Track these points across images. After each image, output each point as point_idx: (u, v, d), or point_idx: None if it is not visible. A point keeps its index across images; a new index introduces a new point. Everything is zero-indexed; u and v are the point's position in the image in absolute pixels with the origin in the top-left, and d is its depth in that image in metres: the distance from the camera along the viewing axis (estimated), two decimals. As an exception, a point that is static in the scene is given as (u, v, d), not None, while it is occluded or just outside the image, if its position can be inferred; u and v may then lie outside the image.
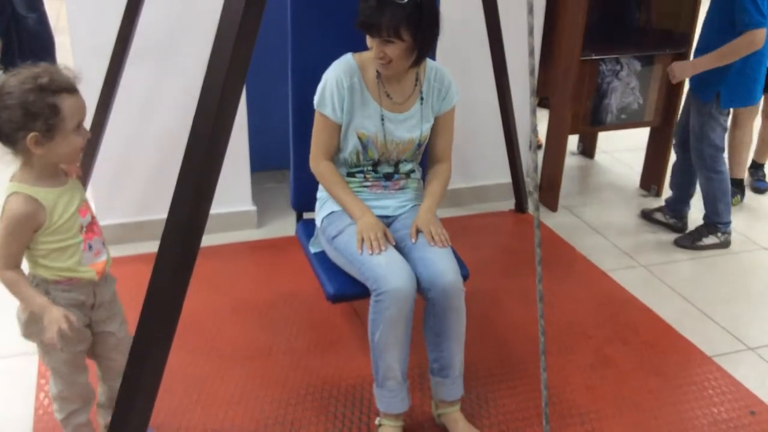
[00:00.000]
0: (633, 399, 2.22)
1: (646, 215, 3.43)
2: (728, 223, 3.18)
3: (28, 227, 1.53)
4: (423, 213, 2.05)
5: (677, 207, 3.32)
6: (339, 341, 2.44)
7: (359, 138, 2.05)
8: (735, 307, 2.76)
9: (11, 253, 1.53)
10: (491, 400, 2.18)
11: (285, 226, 3.21)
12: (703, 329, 2.60)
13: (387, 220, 2.12)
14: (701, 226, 3.20)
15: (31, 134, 1.46)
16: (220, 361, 2.31)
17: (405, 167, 2.15)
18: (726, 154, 3.25)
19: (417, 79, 2.09)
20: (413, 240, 1.99)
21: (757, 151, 3.85)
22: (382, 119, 2.05)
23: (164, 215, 2.93)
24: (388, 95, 2.06)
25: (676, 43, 3.38)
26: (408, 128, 2.08)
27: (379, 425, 2.01)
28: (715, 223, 3.17)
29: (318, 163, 2.08)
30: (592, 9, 3.14)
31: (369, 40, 1.96)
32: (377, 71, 2.04)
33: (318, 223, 2.17)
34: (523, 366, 2.34)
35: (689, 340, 2.52)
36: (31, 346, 1.71)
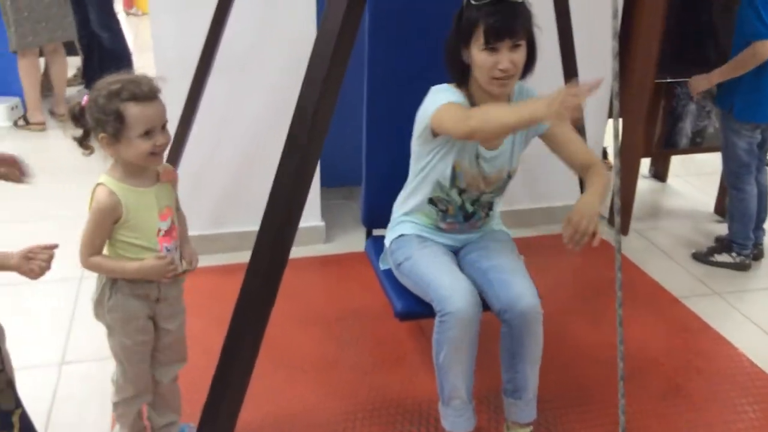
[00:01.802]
0: (707, 430, 2.15)
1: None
2: (744, 245, 3.08)
3: (110, 219, 1.63)
4: (581, 205, 1.79)
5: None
6: (405, 358, 2.45)
7: (454, 167, 1.98)
8: (816, 339, 2.66)
9: (95, 243, 1.64)
10: (561, 424, 2.16)
11: (352, 242, 3.25)
12: (782, 361, 2.52)
13: (457, 249, 2.12)
14: (718, 240, 3.11)
15: (101, 134, 1.57)
16: (288, 371, 2.35)
17: (487, 198, 2.08)
18: None
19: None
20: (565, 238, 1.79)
21: None
22: (477, 157, 1.98)
23: (236, 229, 3.08)
24: None
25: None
26: (500, 163, 2.01)
27: None
28: (730, 242, 3.10)
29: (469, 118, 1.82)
30: (667, 31, 3.09)
31: (484, 56, 1.82)
32: (472, 103, 1.93)
33: (387, 243, 2.18)
34: (594, 391, 2.30)
35: (766, 372, 2.44)
36: (108, 352, 1.78)
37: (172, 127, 2.64)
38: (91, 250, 1.63)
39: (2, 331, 1.42)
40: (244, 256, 3.00)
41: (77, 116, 1.60)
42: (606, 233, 3.42)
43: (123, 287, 1.70)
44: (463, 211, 2.07)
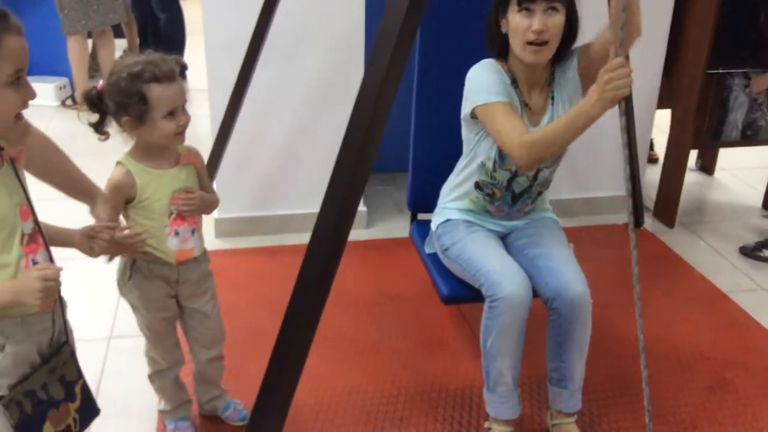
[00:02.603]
0: (755, 426, 2.12)
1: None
2: None
3: (120, 195, 1.65)
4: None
5: None
6: (446, 343, 2.45)
7: (499, 147, 1.93)
8: None
9: (110, 211, 1.64)
10: (604, 415, 2.14)
11: (393, 227, 3.26)
12: (832, 359, 2.47)
13: (504, 234, 2.11)
14: None
15: (125, 118, 1.58)
16: (331, 353, 2.36)
17: (545, 174, 2.04)
18: None
19: (550, 80, 1.96)
20: None
21: None
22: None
23: (280, 212, 3.10)
24: (527, 105, 1.95)
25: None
26: None
27: (489, 429, 2.00)
28: None
29: (522, 136, 1.81)
30: (720, 21, 3.03)
31: (518, 18, 1.82)
32: (511, 77, 1.93)
33: (433, 227, 2.18)
34: (637, 382, 2.28)
35: (816, 370, 2.39)
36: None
37: (221, 110, 2.68)
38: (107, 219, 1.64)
39: (65, 303, 1.45)
40: (287, 239, 3.10)
41: (94, 101, 1.60)
42: (650, 224, 3.39)
43: (142, 267, 1.72)
44: (510, 192, 2.04)
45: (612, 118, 3.17)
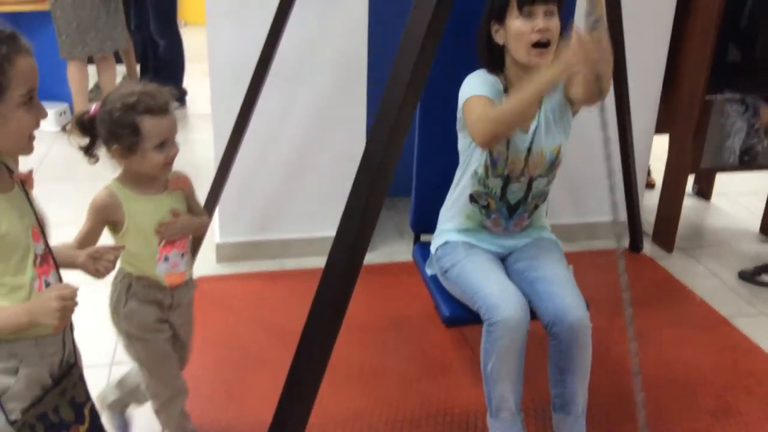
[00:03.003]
0: (759, 450, 2.13)
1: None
2: None
3: (101, 215, 1.65)
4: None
5: None
6: (450, 368, 2.45)
7: (490, 152, 1.97)
8: None
9: (83, 234, 1.63)
10: (609, 439, 2.14)
11: (395, 252, 3.27)
12: (834, 384, 2.47)
13: (503, 255, 2.12)
14: None
15: (115, 146, 1.60)
16: (334, 377, 2.33)
17: (539, 185, 2.05)
18: None
19: None
20: None
21: None
22: (509, 140, 1.97)
23: (282, 236, 3.10)
24: None
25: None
26: (538, 144, 1.99)
27: None
28: None
29: (483, 113, 1.85)
30: (718, 47, 3.07)
31: (520, 22, 1.86)
32: (504, 85, 1.97)
33: (432, 249, 2.19)
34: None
35: (818, 394, 2.40)
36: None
37: (225, 134, 2.70)
38: (79, 240, 1.63)
39: (72, 326, 1.45)
40: (287, 264, 3.10)
41: (85, 125, 1.61)
42: (649, 249, 3.40)
43: (138, 292, 1.72)
44: (506, 203, 2.05)
45: (612, 143, 3.19)
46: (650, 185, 3.97)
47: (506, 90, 1.98)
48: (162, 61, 5.15)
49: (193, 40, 7.28)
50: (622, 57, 2.91)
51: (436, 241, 2.18)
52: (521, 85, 1.92)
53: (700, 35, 3.07)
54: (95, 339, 2.52)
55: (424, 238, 2.43)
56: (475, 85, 1.96)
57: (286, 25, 2.53)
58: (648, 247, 3.41)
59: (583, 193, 3.40)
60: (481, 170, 2.01)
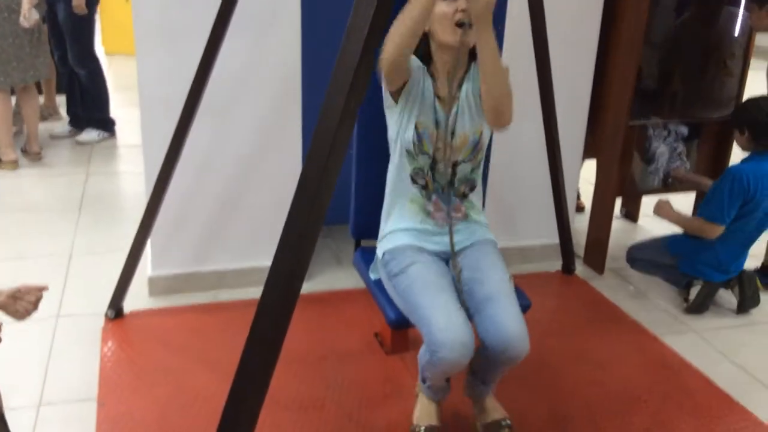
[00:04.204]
0: (693, 465, 2.18)
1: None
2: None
3: None
4: None
5: None
6: (391, 397, 2.44)
7: (416, 127, 2.03)
8: (790, 375, 2.72)
9: None
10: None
11: (333, 280, 3.25)
12: (758, 396, 2.56)
13: (449, 256, 2.11)
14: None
15: None
16: (275, 409, 2.31)
17: (464, 170, 2.10)
18: None
19: (464, 74, 2.06)
20: None
21: None
22: (436, 120, 2.03)
23: (217, 267, 3.05)
24: (438, 96, 2.05)
25: (722, 109, 3.42)
26: (461, 126, 2.05)
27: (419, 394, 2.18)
28: None
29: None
30: (640, 74, 3.20)
31: (443, 6, 1.94)
32: (431, 74, 2.04)
33: (379, 253, 2.18)
34: (576, 422, 2.32)
35: (744, 407, 2.47)
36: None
37: (156, 166, 2.65)
38: None
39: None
40: (223, 295, 3.05)
41: None
42: (581, 271, 3.48)
43: None
44: (438, 184, 2.09)
45: (542, 168, 3.28)
46: (580, 209, 4.08)
47: (433, 78, 2.05)
48: (84, 90, 5.05)
49: (119, 70, 7.19)
50: (550, 85, 2.99)
51: (382, 244, 2.17)
52: (445, 70, 2.03)
53: (623, 65, 3.20)
54: (20, 380, 2.42)
55: (364, 243, 2.42)
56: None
57: (217, 54, 2.51)
58: (580, 269, 3.49)
59: (515, 218, 3.46)
60: (411, 147, 2.06)
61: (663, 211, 3.22)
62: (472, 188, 2.15)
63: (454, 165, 2.08)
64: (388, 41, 1.84)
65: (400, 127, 2.06)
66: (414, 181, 2.10)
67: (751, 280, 3.15)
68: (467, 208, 2.16)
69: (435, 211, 2.12)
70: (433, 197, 2.10)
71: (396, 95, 2.03)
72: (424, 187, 2.10)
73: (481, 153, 2.12)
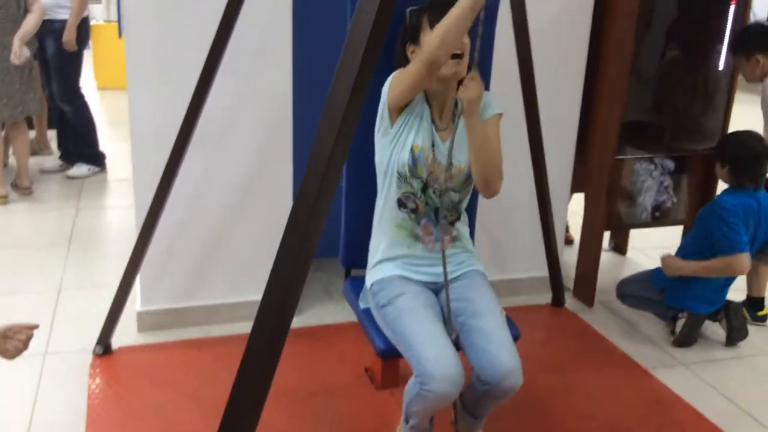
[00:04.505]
0: (685, 500, 2.17)
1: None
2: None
3: None
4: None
5: None
6: (382, 431, 2.42)
7: (412, 150, 2.04)
8: (780, 407, 2.72)
9: None
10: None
11: (323, 314, 3.24)
12: (749, 430, 2.57)
13: (437, 286, 2.12)
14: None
15: None
16: (264, 448, 2.29)
17: (453, 198, 2.11)
18: None
19: (456, 102, 2.07)
20: None
21: None
22: (433, 144, 2.06)
23: (207, 302, 3.04)
24: (434, 122, 2.08)
25: (708, 143, 3.46)
26: (458, 157, 2.06)
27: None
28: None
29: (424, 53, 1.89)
30: (626, 109, 3.25)
31: None
32: (426, 99, 2.07)
33: (368, 284, 2.17)
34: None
35: (736, 441, 2.48)
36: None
37: (146, 200, 2.65)
38: None
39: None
40: (214, 330, 3.03)
41: None
42: (571, 304, 3.49)
43: None
44: (432, 206, 2.09)
45: (531, 202, 3.31)
46: (569, 241, 4.10)
47: (430, 104, 2.08)
48: (71, 127, 5.07)
49: (111, 105, 7.22)
50: (537, 120, 3.03)
51: (371, 274, 2.16)
52: (438, 100, 2.08)
53: (610, 99, 3.24)
54: (7, 417, 2.39)
55: (355, 272, 2.42)
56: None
57: (210, 89, 2.54)
58: (569, 302, 3.49)
59: (504, 251, 3.48)
60: (405, 170, 2.06)
61: (673, 267, 3.14)
62: (458, 218, 2.17)
63: (443, 193, 2.09)
64: (437, 38, 1.83)
65: (394, 149, 2.06)
66: (402, 205, 2.09)
67: (738, 312, 3.15)
68: (460, 235, 2.17)
69: (424, 235, 2.12)
70: (423, 221, 2.11)
71: (396, 115, 2.05)
72: (414, 211, 2.10)
73: (470, 186, 2.14)
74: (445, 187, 2.07)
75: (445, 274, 2.02)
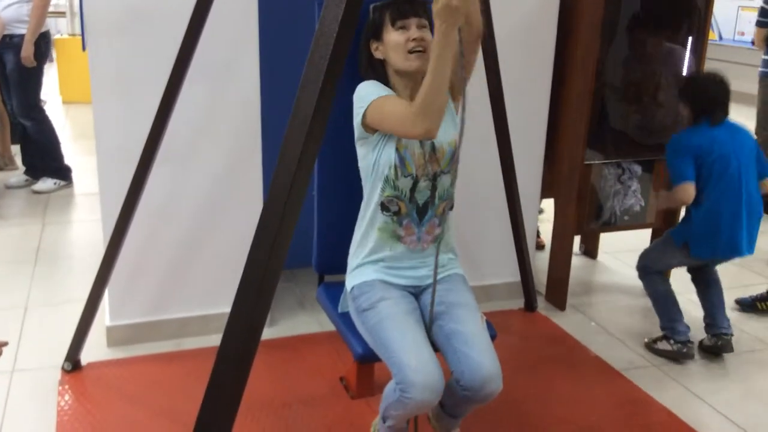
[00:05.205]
0: (659, 500, 2.18)
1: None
2: (675, 330, 3.06)
3: None
4: None
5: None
6: (357, 442, 2.41)
7: (397, 150, 2.01)
8: (749, 406, 2.75)
9: None
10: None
11: (296, 324, 3.22)
12: (722, 430, 2.59)
13: (418, 290, 2.12)
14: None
15: None
16: (238, 462, 2.26)
17: (444, 183, 2.08)
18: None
19: None
20: None
21: None
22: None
23: (178, 315, 3.01)
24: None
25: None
26: (443, 134, 2.01)
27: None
28: (662, 328, 3.13)
29: (409, 108, 1.89)
30: (593, 115, 3.29)
31: (396, 35, 2.01)
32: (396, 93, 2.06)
33: (348, 287, 2.15)
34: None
35: (709, 440, 2.51)
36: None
37: (113, 214, 2.62)
38: None
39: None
40: (185, 343, 3.00)
41: None
42: (543, 308, 3.51)
43: None
44: (415, 205, 2.06)
45: (502, 208, 3.32)
46: (540, 246, 4.13)
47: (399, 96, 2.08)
48: (33, 141, 5.00)
49: (76, 118, 7.13)
50: (506, 127, 3.05)
51: (351, 277, 2.14)
52: (407, 95, 2.05)
53: (577, 106, 3.28)
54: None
55: (328, 278, 2.40)
56: (372, 91, 2.03)
57: (176, 101, 2.51)
58: (542, 306, 3.52)
59: (477, 257, 3.49)
60: (392, 172, 2.03)
61: (660, 200, 3.40)
62: (451, 207, 2.16)
63: (435, 178, 2.06)
64: (425, 106, 1.81)
65: (379, 154, 2.03)
66: (385, 208, 2.07)
67: (727, 346, 3.08)
68: (444, 230, 2.14)
69: (406, 236, 2.09)
70: (405, 222, 2.08)
71: (373, 130, 2.03)
72: (396, 213, 2.07)
73: (457, 164, 2.08)
74: (434, 174, 2.05)
75: (435, 273, 2.01)
